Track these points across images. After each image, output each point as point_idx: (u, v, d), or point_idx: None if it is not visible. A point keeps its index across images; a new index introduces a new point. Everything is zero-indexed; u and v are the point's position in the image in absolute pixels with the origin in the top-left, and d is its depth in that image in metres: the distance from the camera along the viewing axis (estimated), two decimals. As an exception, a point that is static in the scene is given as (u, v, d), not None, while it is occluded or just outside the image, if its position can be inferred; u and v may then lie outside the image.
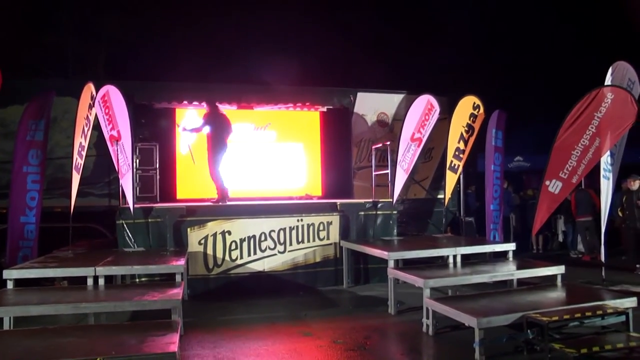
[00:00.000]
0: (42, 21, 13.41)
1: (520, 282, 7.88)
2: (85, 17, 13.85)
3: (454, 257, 7.99)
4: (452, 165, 10.41)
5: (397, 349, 6.44)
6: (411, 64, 14.13)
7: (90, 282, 6.48)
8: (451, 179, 10.48)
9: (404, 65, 14.11)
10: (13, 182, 8.47)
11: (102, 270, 6.52)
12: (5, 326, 5.77)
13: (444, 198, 10.80)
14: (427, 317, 6.50)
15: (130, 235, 8.78)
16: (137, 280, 8.38)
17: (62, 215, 8.98)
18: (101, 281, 6.50)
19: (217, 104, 10.16)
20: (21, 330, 5.56)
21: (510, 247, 8.51)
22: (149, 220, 8.89)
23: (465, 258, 8.19)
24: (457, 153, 10.42)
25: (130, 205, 8.67)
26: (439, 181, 11.87)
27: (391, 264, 7.63)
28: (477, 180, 13.10)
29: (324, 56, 14.01)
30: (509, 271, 7.61)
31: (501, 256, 8.60)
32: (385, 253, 7.73)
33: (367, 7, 15.23)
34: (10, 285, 6.42)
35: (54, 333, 5.09)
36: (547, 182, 8.88)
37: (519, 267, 7.74)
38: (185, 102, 11.53)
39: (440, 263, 8.25)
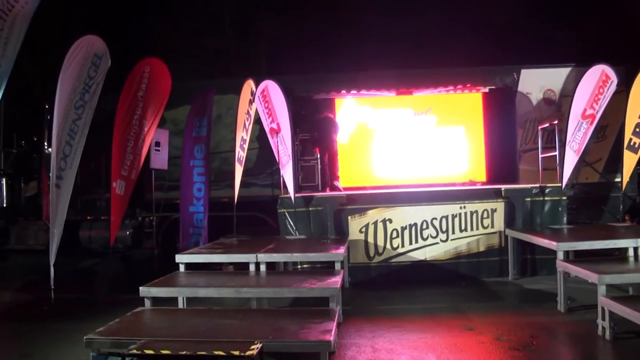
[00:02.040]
0: (206, 25, 14.18)
1: None
2: (245, 18, 14.44)
3: (635, 249, 6.97)
4: (632, 143, 9.28)
5: (567, 352, 5.81)
6: (580, 32, 12.86)
7: (252, 267, 6.69)
8: (630, 160, 9.33)
9: (572, 34, 12.85)
10: (182, 175, 9.11)
11: (263, 257, 6.68)
12: (180, 304, 6.21)
13: (621, 182, 9.63)
14: (603, 319, 5.68)
15: (291, 224, 8.98)
16: (299, 267, 8.53)
17: (228, 204, 9.39)
18: (262, 267, 6.67)
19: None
20: (190, 310, 5.93)
21: None
22: (310, 208, 9.02)
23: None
24: (637, 130, 9.26)
25: (291, 195, 8.88)
26: (614, 163, 10.55)
27: (560, 255, 6.85)
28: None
29: (482, 34, 13.25)
30: None
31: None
32: (554, 243, 6.97)
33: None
34: (182, 268, 6.84)
35: (217, 314, 5.26)
36: None
37: None
38: (344, 91, 11.56)
39: (617, 256, 7.34)
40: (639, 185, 10.26)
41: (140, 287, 5.74)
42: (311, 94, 11.63)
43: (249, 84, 9.34)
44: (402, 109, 11.91)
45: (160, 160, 9.35)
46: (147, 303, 5.68)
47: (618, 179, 10.27)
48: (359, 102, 11.95)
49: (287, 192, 9.02)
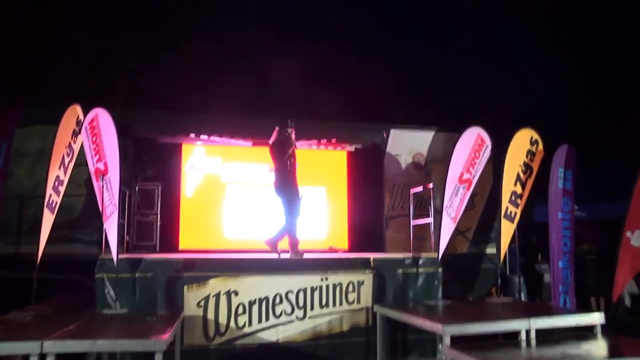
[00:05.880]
0: (38, 50, 12.38)
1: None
2: (79, 43, 12.82)
3: (527, 332, 6.04)
4: (509, 212, 8.67)
5: None
6: (452, 95, 12.66)
7: (37, 362, 4.70)
8: (507, 229, 8.69)
9: (443, 97, 12.63)
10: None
11: (50, 346, 4.74)
12: None
13: (498, 252, 8.95)
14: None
15: (112, 294, 7.05)
16: (118, 355, 6.66)
17: (46, 263, 7.39)
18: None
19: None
20: None
21: (600, 319, 6.44)
22: (137, 274, 7.13)
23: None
24: (513, 198, 8.71)
25: (114, 256, 7.02)
26: (483, 233, 10.16)
27: (447, 340, 5.72)
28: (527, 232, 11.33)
29: (352, 88, 12.58)
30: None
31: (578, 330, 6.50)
32: (440, 326, 5.85)
33: (399, 36, 13.81)
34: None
35: None
36: (629, 234, 7.59)
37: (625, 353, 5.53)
38: (193, 135, 10.06)
39: (504, 341, 6.32)
40: (505, 257, 9.61)
41: None
42: (156, 136, 10.05)
43: (75, 109, 7.56)
44: (257, 164, 10.52)
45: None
46: None
47: (488, 250, 9.92)
48: (209, 152, 10.49)
49: (109, 251, 7.17)
